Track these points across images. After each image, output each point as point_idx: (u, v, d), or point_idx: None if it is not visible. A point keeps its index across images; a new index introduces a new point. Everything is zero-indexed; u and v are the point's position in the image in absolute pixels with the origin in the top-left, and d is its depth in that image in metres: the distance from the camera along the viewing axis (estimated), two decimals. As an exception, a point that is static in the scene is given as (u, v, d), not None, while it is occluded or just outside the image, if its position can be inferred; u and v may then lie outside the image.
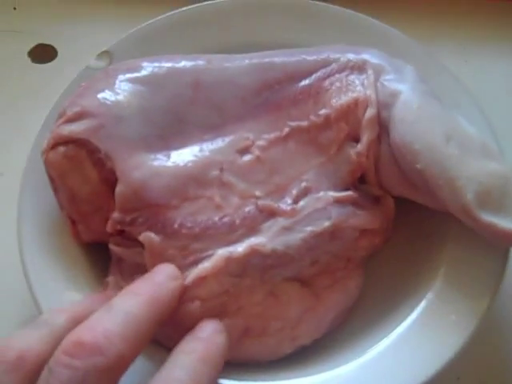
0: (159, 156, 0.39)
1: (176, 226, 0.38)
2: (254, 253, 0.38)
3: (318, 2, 0.47)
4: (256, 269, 0.38)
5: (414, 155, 0.38)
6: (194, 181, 0.39)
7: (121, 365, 0.30)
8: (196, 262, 0.38)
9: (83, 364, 0.28)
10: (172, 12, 0.47)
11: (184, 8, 0.47)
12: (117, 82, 0.40)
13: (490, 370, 0.43)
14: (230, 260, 0.37)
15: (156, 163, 0.39)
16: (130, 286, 0.34)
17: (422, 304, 0.39)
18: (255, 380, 0.38)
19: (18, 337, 0.31)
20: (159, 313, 0.33)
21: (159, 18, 0.47)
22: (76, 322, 0.31)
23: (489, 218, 0.36)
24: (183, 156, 0.39)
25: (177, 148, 0.40)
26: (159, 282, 0.35)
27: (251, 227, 0.39)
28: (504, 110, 0.51)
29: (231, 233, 0.38)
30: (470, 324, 0.37)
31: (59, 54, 0.55)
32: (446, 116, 0.40)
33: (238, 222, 0.38)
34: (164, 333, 0.35)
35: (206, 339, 0.34)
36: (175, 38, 0.47)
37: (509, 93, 0.52)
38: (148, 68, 0.41)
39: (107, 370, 0.29)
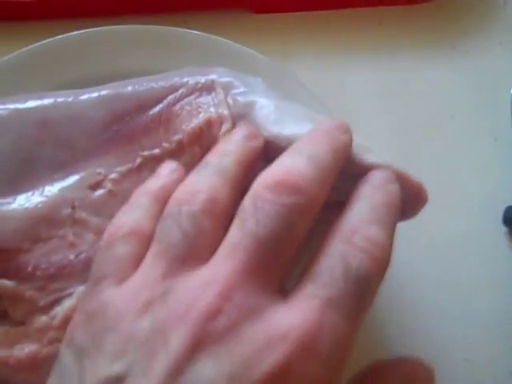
0: (7, 200, 0.38)
1: (30, 268, 0.37)
2: None
3: (167, 27, 0.47)
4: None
5: (288, 140, 0.36)
6: (44, 221, 0.38)
7: (315, 205, 0.31)
8: (57, 302, 0.37)
9: (289, 201, 0.29)
10: (25, 48, 0.47)
11: (34, 45, 0.47)
12: (-43, 129, 0.39)
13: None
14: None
15: (4, 208, 0.38)
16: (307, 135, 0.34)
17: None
18: None
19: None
20: (339, 161, 0.33)
21: (12, 55, 0.46)
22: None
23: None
24: (33, 198, 0.39)
25: (26, 190, 0.39)
26: (334, 133, 0.34)
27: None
28: (367, 118, 0.51)
29: (89, 269, 0.38)
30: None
31: None
32: (304, 109, 0.40)
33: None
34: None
35: (382, 187, 0.33)
36: (27, 76, 0.46)
37: (370, 100, 0.53)
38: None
39: (308, 210, 0.30)
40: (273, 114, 0.39)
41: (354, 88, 0.53)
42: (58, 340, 0.36)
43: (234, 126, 0.40)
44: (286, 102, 0.41)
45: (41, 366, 0.36)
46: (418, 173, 0.45)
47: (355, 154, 0.35)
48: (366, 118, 0.51)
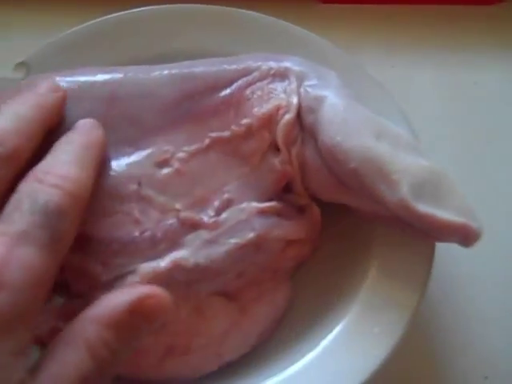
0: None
1: (94, 243, 0.37)
2: (176, 267, 0.37)
3: (240, 10, 0.46)
4: (180, 284, 0.37)
5: (346, 154, 0.37)
6: (111, 196, 0.38)
7: (17, 156, 0.33)
8: (119, 278, 0.37)
9: None
10: (92, 21, 0.46)
11: (104, 17, 0.46)
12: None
13: (419, 376, 0.43)
14: (152, 276, 0.36)
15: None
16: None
17: (348, 316, 0.39)
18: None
19: None
20: (45, 116, 0.36)
21: (78, 27, 0.45)
22: None
23: (426, 209, 0.36)
24: (100, 171, 0.38)
25: (94, 164, 0.38)
26: (41, 92, 0.38)
27: (173, 241, 0.38)
28: (429, 116, 0.50)
29: (153, 247, 0.37)
30: (393, 336, 0.37)
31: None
32: (373, 116, 0.40)
33: (159, 235, 0.38)
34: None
35: (83, 132, 0.37)
36: (95, 49, 0.45)
37: (434, 99, 0.52)
38: (61, 83, 0.40)
39: (5, 160, 0.33)
40: (339, 118, 0.38)
41: (418, 85, 0.52)
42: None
43: (297, 117, 0.40)
44: (355, 105, 0.40)
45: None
46: (480, 175, 0.45)
47: (410, 202, 0.36)
48: (430, 116, 0.50)
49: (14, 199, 0.31)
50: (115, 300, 0.30)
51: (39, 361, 0.29)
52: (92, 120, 0.37)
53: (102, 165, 0.37)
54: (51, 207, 0.31)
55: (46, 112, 0.37)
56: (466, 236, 0.37)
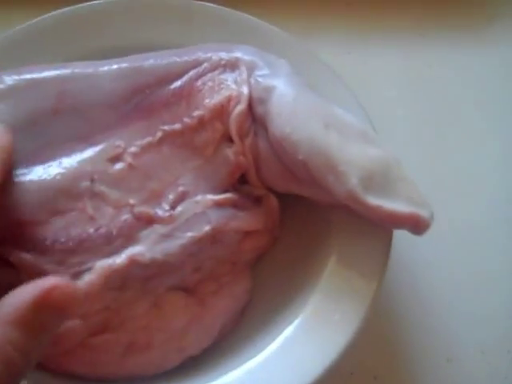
0: (23, 172, 0.37)
1: (48, 242, 0.36)
2: (133, 263, 0.36)
3: (192, 1, 0.46)
4: (137, 280, 0.37)
5: (295, 146, 0.37)
6: (63, 194, 0.37)
7: None
8: (76, 276, 0.36)
9: None
10: (41, 17, 0.45)
11: (54, 12, 0.45)
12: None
13: (382, 362, 0.43)
14: (109, 273, 0.36)
15: (20, 179, 0.37)
16: None
17: (309, 305, 0.38)
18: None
19: None
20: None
21: (27, 24, 0.44)
22: None
23: (374, 200, 0.36)
24: (50, 169, 0.38)
25: (44, 162, 0.38)
26: None
27: (129, 237, 0.37)
28: (384, 101, 0.50)
29: (108, 244, 0.37)
30: (354, 322, 0.37)
31: None
32: (323, 105, 0.39)
33: (114, 232, 0.37)
34: (45, 353, 0.33)
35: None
36: (43, 45, 0.44)
37: (390, 81, 0.52)
38: (6, 81, 0.39)
39: None
40: (288, 109, 0.38)
41: (375, 70, 0.53)
42: (77, 315, 0.36)
43: (249, 107, 0.39)
44: (306, 92, 0.40)
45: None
46: (440, 158, 0.45)
47: (358, 194, 0.36)
48: (385, 102, 0.50)
49: None
50: (19, 297, 0.29)
51: None
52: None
53: (8, 172, 0.35)
54: None
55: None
56: (415, 225, 0.37)
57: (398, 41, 0.54)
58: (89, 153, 0.39)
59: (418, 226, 0.37)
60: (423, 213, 0.36)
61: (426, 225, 0.36)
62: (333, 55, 0.46)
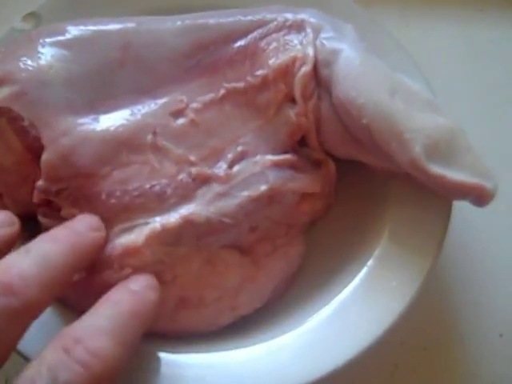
0: (88, 121, 0.37)
1: (103, 196, 0.36)
2: (187, 223, 0.36)
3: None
4: (191, 237, 0.37)
5: (360, 110, 0.37)
6: (126, 145, 0.37)
7: (33, 309, 0.28)
8: (126, 232, 0.36)
9: None
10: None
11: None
12: (40, 46, 0.38)
13: (433, 334, 0.42)
14: (162, 231, 0.36)
15: (85, 128, 0.37)
16: (49, 231, 0.32)
17: (364, 270, 0.38)
18: (191, 352, 0.36)
19: None
20: (77, 262, 0.32)
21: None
22: None
23: (437, 169, 0.36)
24: (113, 120, 0.38)
25: (106, 112, 0.38)
26: (80, 231, 0.33)
27: (183, 196, 0.37)
28: (444, 73, 0.50)
29: (163, 202, 0.37)
30: (411, 289, 0.37)
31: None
32: (389, 72, 0.39)
33: (169, 191, 0.37)
34: (92, 299, 0.33)
35: (137, 292, 0.32)
36: (107, 0, 0.44)
37: (450, 56, 0.51)
38: (73, 32, 0.39)
39: (19, 313, 0.27)
40: (354, 72, 0.38)
41: (433, 44, 0.52)
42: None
43: (314, 69, 0.39)
44: (371, 58, 0.39)
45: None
46: (498, 132, 0.44)
47: (422, 162, 0.35)
48: (445, 75, 0.49)
49: (35, 366, 0.27)
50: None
51: None
52: (150, 277, 0.34)
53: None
54: None
55: (78, 257, 0.32)
56: (479, 196, 0.36)
57: (456, 16, 0.53)
58: (152, 106, 0.38)
59: (481, 197, 0.36)
60: (488, 184, 0.36)
61: (490, 196, 0.36)
62: (391, 28, 0.45)
